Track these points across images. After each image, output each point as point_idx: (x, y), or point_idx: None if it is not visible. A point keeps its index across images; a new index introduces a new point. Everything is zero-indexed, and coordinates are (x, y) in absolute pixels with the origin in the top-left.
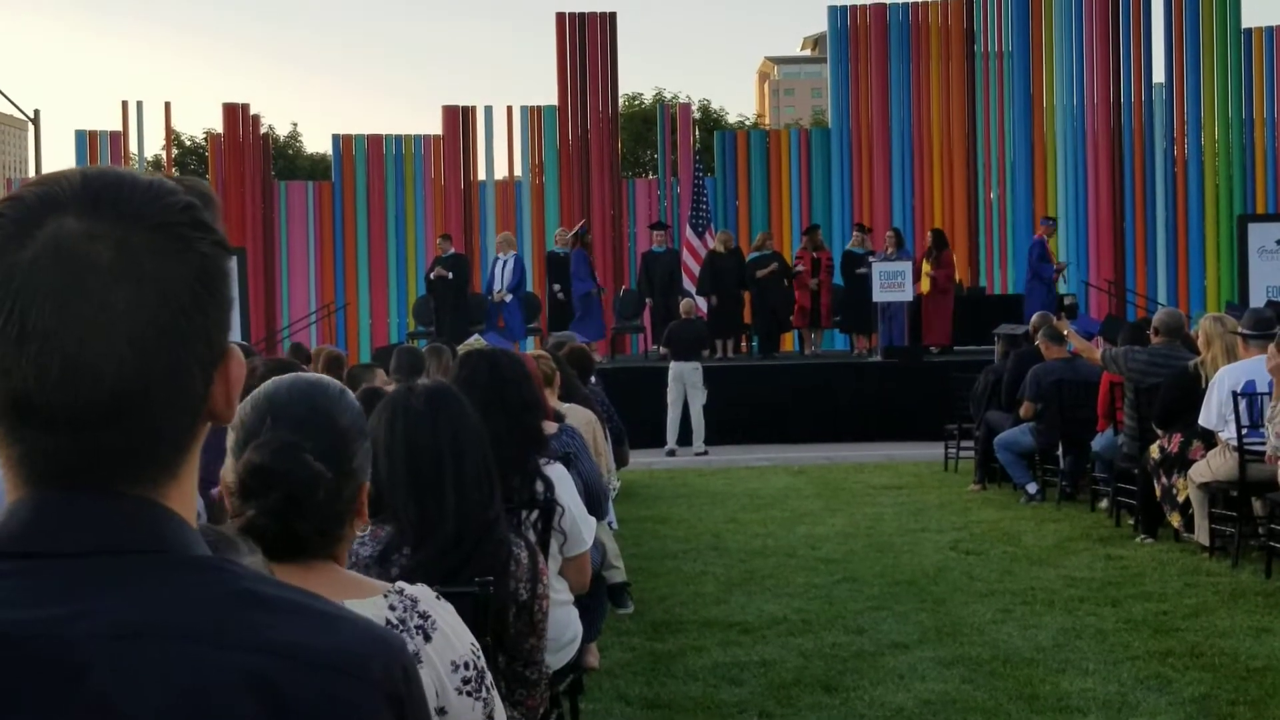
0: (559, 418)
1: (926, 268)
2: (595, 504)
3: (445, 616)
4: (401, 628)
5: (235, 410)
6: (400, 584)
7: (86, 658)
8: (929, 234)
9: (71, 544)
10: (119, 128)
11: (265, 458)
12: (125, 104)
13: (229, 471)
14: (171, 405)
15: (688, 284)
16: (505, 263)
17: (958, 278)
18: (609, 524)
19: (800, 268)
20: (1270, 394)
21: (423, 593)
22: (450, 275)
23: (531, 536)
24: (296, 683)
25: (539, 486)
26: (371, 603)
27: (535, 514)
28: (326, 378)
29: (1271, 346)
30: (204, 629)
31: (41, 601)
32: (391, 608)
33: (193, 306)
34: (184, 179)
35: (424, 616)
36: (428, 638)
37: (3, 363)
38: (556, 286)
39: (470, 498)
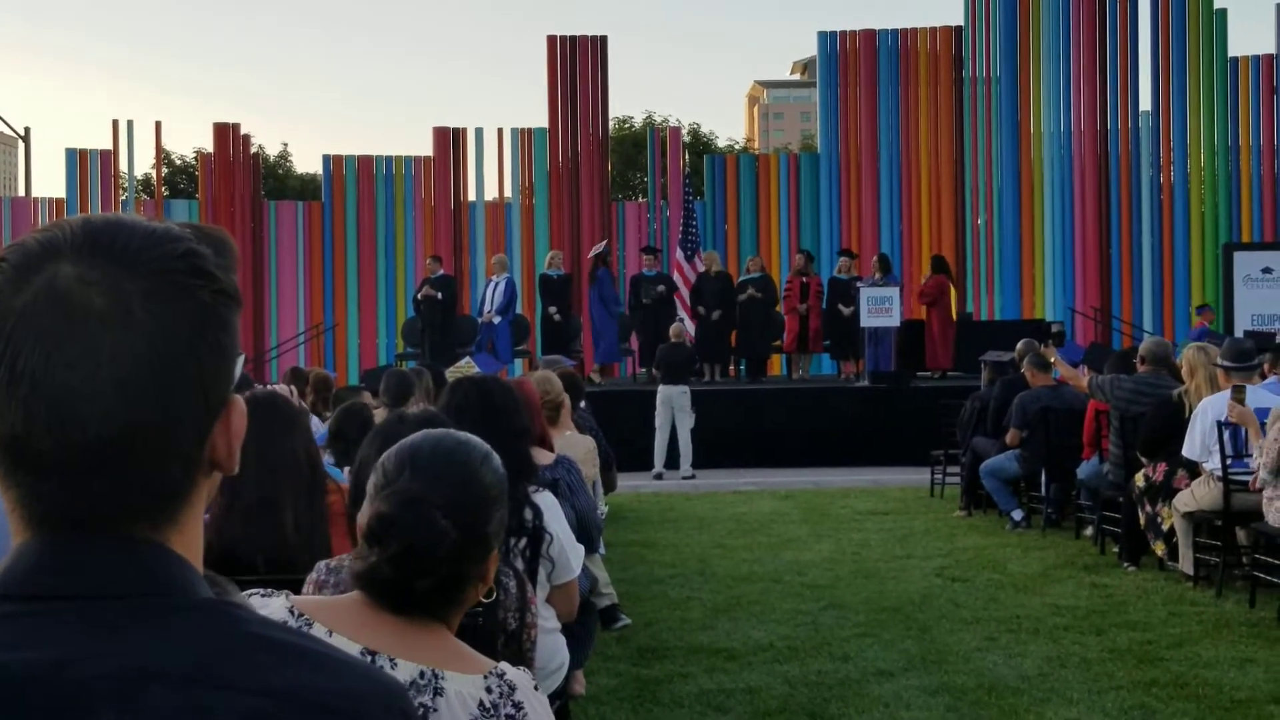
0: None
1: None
2: (588, 538)
3: (539, 710)
4: (493, 713)
5: (237, 461)
6: (503, 666)
7: (93, 700)
8: (933, 258)
9: (77, 586)
10: (109, 146)
11: (392, 507)
12: (116, 123)
13: (362, 515)
14: (163, 455)
15: (679, 307)
16: (496, 285)
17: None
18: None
19: (804, 302)
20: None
21: (522, 680)
22: (439, 295)
23: (519, 564)
24: None
25: (527, 514)
26: (471, 680)
27: (523, 541)
28: (475, 439)
29: (1230, 399)
30: (208, 672)
31: (48, 644)
32: (488, 690)
33: (186, 355)
34: (200, 226)
35: (518, 706)
36: None
37: None
38: (553, 309)
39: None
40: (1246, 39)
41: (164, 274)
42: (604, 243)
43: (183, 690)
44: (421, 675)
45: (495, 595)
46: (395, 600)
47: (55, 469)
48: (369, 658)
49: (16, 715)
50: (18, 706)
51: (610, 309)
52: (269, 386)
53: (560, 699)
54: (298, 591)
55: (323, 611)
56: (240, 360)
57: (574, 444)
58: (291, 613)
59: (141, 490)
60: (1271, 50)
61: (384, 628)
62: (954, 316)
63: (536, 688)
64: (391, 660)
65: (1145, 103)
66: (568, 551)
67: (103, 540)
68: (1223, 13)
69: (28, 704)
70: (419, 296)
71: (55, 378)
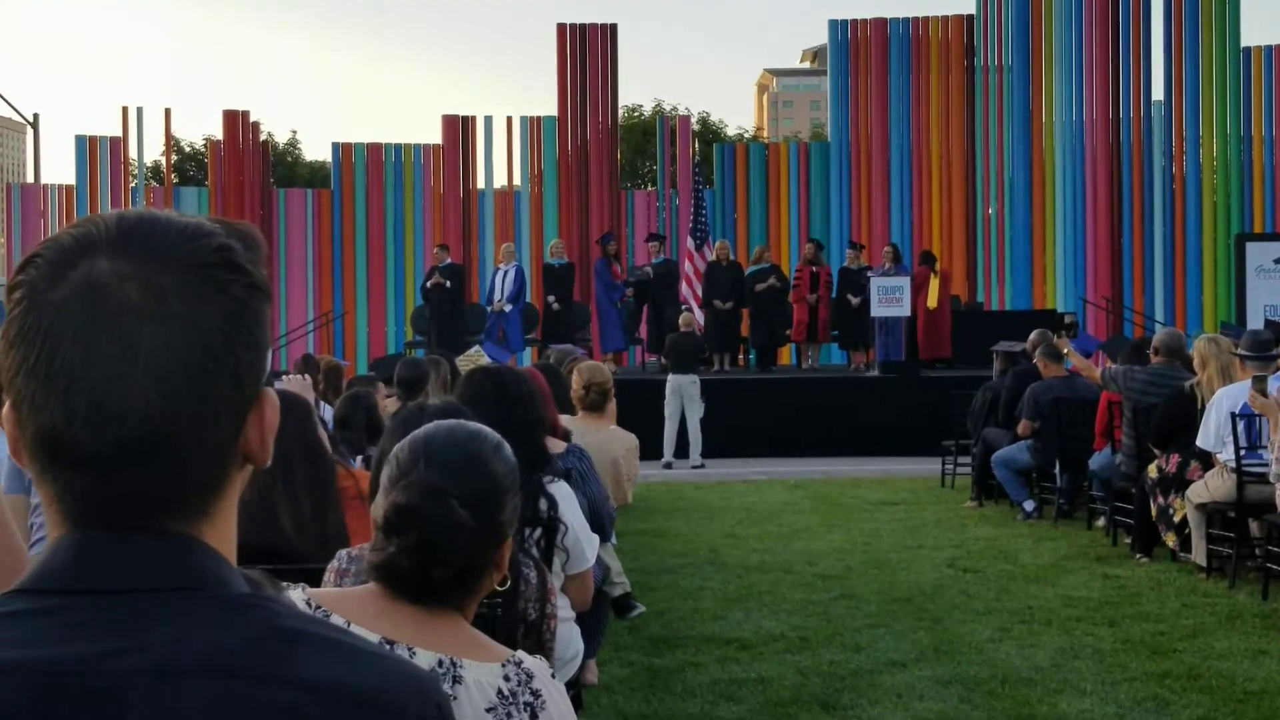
0: (566, 436)
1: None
2: (599, 527)
3: (556, 699)
4: (511, 700)
5: (270, 453)
6: (520, 654)
7: (127, 695)
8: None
9: (113, 581)
10: (119, 133)
11: (410, 498)
12: (125, 109)
13: (377, 508)
14: (199, 447)
15: (687, 295)
16: (506, 273)
17: (955, 294)
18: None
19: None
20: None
21: (539, 668)
22: (448, 284)
23: (535, 554)
24: (330, 719)
25: (542, 504)
26: (489, 668)
27: (538, 532)
28: (486, 429)
29: (1251, 390)
30: (242, 666)
31: (84, 638)
32: (506, 678)
33: (222, 349)
34: (230, 221)
35: (536, 694)
36: (534, 717)
37: (33, 399)
38: (551, 298)
39: None
40: (1259, 29)
41: (198, 268)
42: (606, 233)
43: (216, 684)
44: (440, 664)
45: (509, 583)
46: (413, 590)
47: (92, 463)
48: (387, 647)
49: (53, 709)
50: (55, 700)
51: (610, 297)
52: (282, 375)
53: (573, 688)
54: (313, 580)
55: (339, 603)
56: (270, 353)
57: (618, 438)
58: (308, 605)
59: (177, 484)
60: None
61: (401, 617)
62: (930, 306)
63: (554, 676)
64: (410, 649)
65: (1158, 92)
66: (582, 541)
67: (138, 535)
68: (1235, 2)
69: (64, 697)
70: (428, 285)
71: (94, 372)
